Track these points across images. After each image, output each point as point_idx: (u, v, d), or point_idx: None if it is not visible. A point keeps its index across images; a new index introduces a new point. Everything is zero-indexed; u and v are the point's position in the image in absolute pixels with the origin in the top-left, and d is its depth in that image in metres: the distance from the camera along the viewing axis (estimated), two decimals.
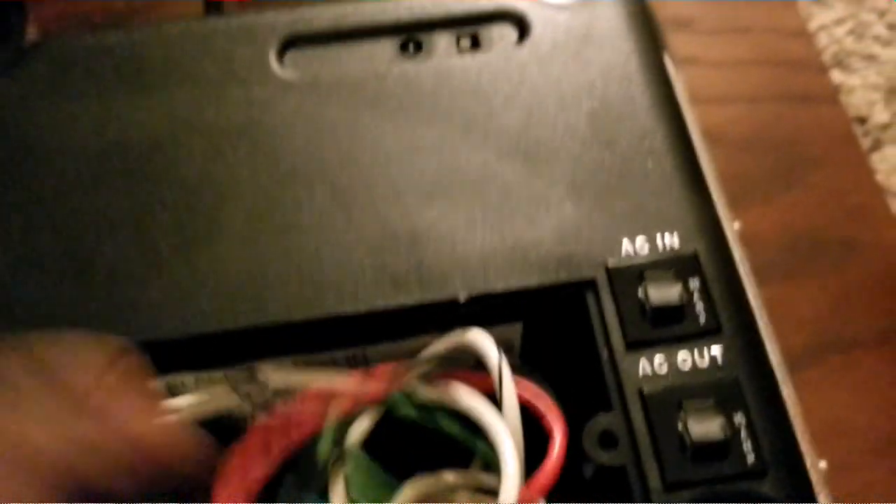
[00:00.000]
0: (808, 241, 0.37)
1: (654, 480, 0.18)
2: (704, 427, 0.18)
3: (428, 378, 0.20)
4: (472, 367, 0.20)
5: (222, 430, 0.22)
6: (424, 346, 0.21)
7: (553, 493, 0.18)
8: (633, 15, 0.25)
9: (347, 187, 0.22)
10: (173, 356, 0.21)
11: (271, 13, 0.25)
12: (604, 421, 0.19)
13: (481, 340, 0.19)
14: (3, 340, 0.17)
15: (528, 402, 0.19)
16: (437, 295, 0.21)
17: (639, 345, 0.19)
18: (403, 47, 0.25)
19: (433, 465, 0.20)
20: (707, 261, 0.20)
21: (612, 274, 0.20)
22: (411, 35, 0.25)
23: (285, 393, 0.21)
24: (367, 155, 0.23)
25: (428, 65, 0.24)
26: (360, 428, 0.20)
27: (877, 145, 0.40)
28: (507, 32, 0.25)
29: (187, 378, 0.22)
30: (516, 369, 0.19)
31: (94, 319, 0.21)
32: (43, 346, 0.17)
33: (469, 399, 0.19)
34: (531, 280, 0.21)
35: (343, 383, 0.20)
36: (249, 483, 0.19)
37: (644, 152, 0.22)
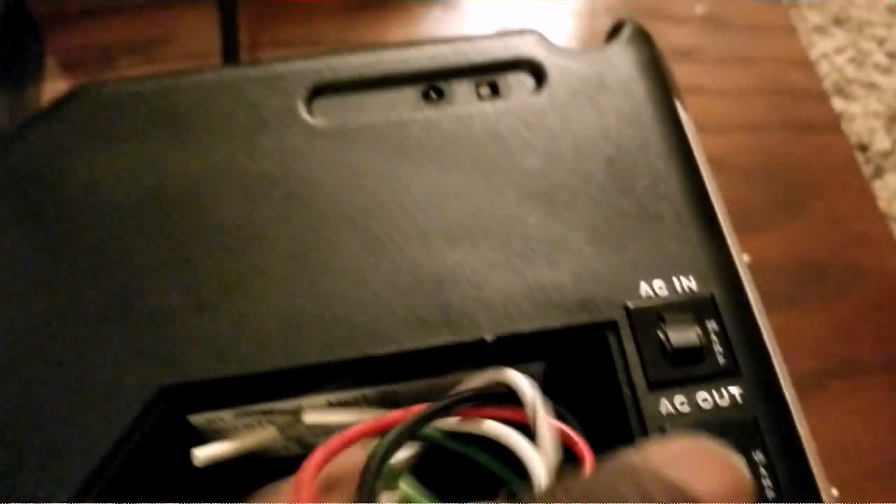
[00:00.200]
0: (812, 268, 0.38)
1: None
2: None
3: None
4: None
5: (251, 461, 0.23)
6: (455, 383, 0.22)
7: None
8: (645, 62, 0.26)
9: (376, 231, 0.23)
10: (214, 394, 0.22)
11: (298, 62, 0.27)
12: None
13: (515, 376, 0.20)
14: None
15: (559, 430, 0.20)
16: (465, 336, 0.22)
17: (660, 384, 0.20)
18: (425, 95, 0.26)
19: (458, 494, 0.21)
20: (723, 303, 0.21)
21: (632, 315, 0.21)
22: (433, 83, 0.26)
23: (321, 429, 0.22)
24: (393, 199, 0.24)
25: (449, 112, 0.26)
26: (405, 454, 0.21)
27: (878, 172, 0.41)
28: (525, 80, 0.26)
29: (226, 414, 0.23)
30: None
31: (137, 360, 0.22)
32: None
33: (501, 428, 0.20)
34: (554, 321, 0.22)
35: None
36: None
37: (659, 197, 0.23)
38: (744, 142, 0.42)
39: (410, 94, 0.26)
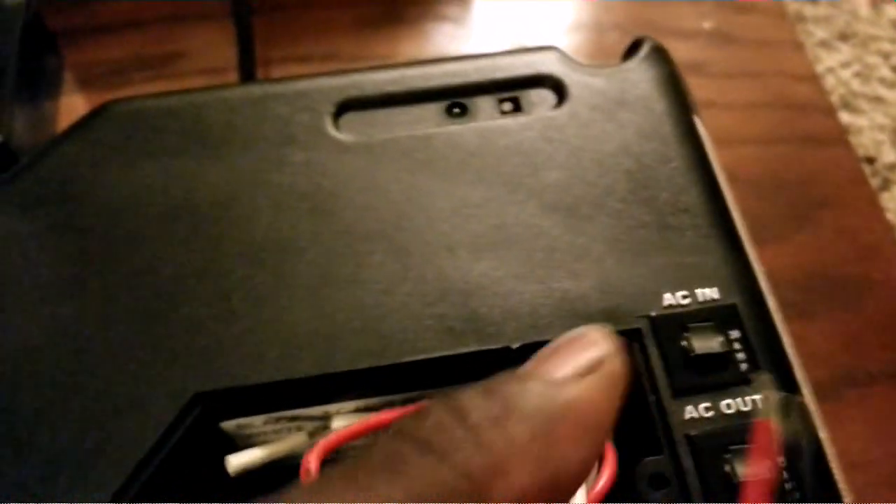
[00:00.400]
0: (822, 280, 0.39)
1: None
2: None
3: None
4: None
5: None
6: None
7: None
8: (663, 79, 0.27)
9: (403, 243, 0.24)
10: (246, 400, 0.23)
11: (325, 79, 0.27)
12: (653, 464, 0.20)
13: None
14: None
15: None
16: (491, 344, 0.22)
17: (684, 391, 0.21)
18: (449, 110, 0.27)
19: None
20: (745, 312, 0.22)
21: (655, 324, 0.22)
22: (456, 99, 0.27)
23: None
24: (419, 212, 0.25)
25: (473, 127, 0.26)
26: None
27: (885, 185, 0.41)
28: (546, 96, 0.27)
29: (257, 420, 0.24)
30: None
31: (170, 368, 0.22)
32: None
33: None
34: None
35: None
36: None
37: (680, 209, 0.24)
38: (752, 155, 0.42)
39: (434, 110, 0.27)
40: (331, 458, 0.21)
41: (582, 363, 0.16)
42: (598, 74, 0.27)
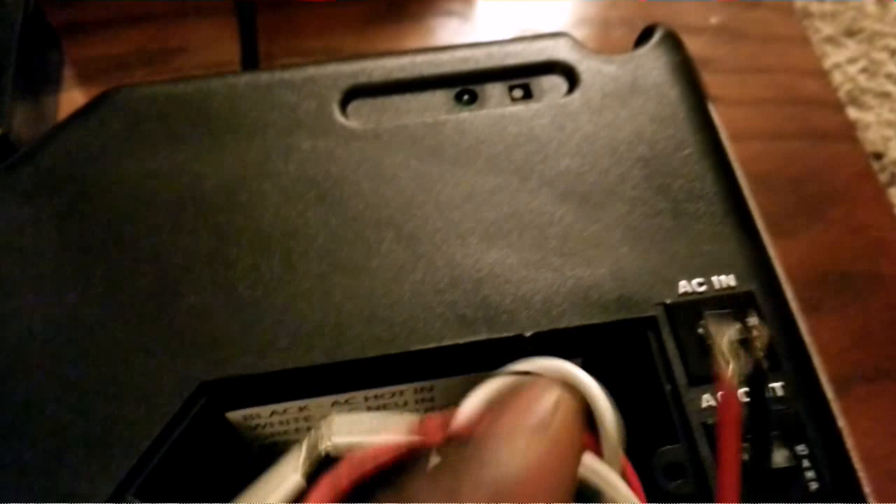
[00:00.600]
0: (831, 276, 0.38)
1: None
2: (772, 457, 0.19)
3: None
4: None
5: None
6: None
7: None
8: (676, 65, 0.26)
9: (412, 231, 0.24)
10: (253, 390, 0.22)
11: (332, 65, 0.27)
12: (670, 453, 0.20)
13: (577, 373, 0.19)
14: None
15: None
16: (503, 332, 0.22)
17: (701, 379, 0.21)
18: (459, 97, 0.26)
19: None
20: (762, 299, 0.22)
21: (671, 312, 0.22)
22: (466, 86, 0.26)
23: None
24: (429, 200, 0.24)
25: (483, 114, 0.26)
26: None
27: (893, 180, 0.41)
28: (558, 83, 0.26)
29: (263, 411, 0.23)
30: None
31: (176, 357, 0.22)
32: None
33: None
34: (592, 318, 0.22)
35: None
36: None
37: (695, 196, 0.24)
38: (760, 150, 0.42)
39: (444, 97, 0.26)
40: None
41: (530, 422, 0.15)
42: (610, 61, 0.26)
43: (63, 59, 0.45)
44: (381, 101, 0.26)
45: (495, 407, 0.16)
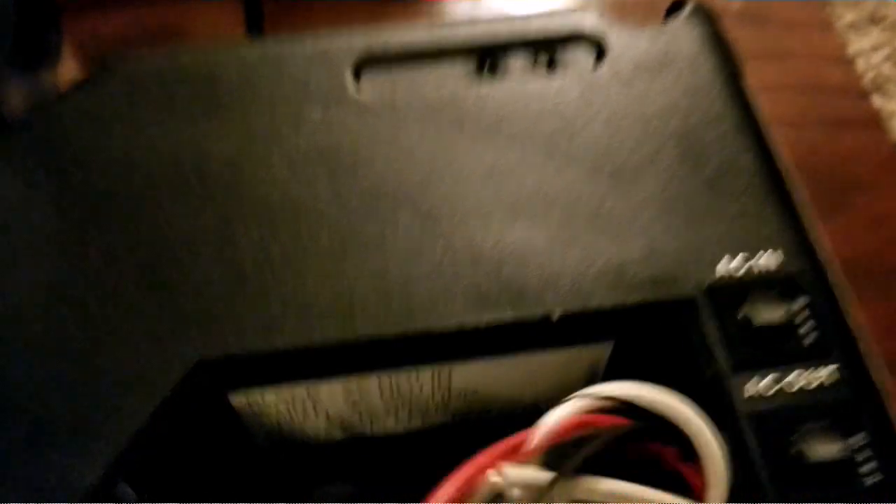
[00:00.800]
0: (856, 266, 0.37)
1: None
2: (823, 449, 0.18)
3: None
4: None
5: None
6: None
7: None
8: (709, 37, 0.25)
9: (430, 207, 0.22)
10: (255, 370, 0.21)
11: (345, 35, 0.25)
12: None
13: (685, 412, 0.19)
14: None
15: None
16: (528, 312, 0.21)
17: (745, 365, 0.19)
18: (479, 68, 0.25)
19: None
20: (808, 280, 0.20)
21: (712, 292, 0.20)
22: (487, 56, 0.25)
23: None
24: (448, 175, 0.23)
25: (505, 86, 0.24)
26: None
27: None
28: (584, 56, 0.25)
29: (269, 395, 0.22)
30: None
31: (174, 332, 0.21)
32: None
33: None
34: (626, 298, 0.20)
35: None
36: None
37: (733, 172, 0.22)
38: (782, 138, 0.40)
39: (463, 69, 0.25)
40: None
41: None
42: (640, 33, 0.25)
43: (62, 36, 0.44)
44: (396, 72, 0.25)
45: None
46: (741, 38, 0.44)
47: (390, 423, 0.24)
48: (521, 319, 0.21)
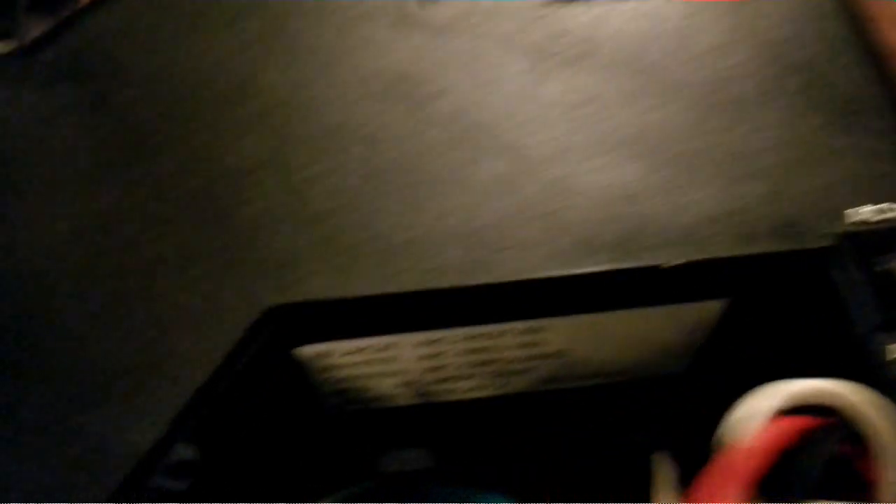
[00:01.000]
0: None
1: None
2: None
3: None
4: None
5: None
6: None
7: None
8: None
9: (516, 141, 0.20)
10: (329, 320, 0.19)
11: None
12: None
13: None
14: None
15: None
16: (636, 261, 0.18)
17: (890, 325, 0.17)
18: None
19: None
20: None
21: (845, 243, 0.18)
22: None
23: None
24: (533, 107, 0.20)
25: (588, 10, 0.22)
26: None
27: None
28: None
29: (338, 349, 0.19)
30: None
31: (237, 276, 0.18)
32: None
33: None
34: (747, 248, 0.18)
35: None
36: None
37: (865, 109, 0.20)
38: None
39: None
40: None
41: None
42: None
43: None
44: None
45: None
46: None
47: (468, 387, 0.22)
48: (625, 269, 0.18)
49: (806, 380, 0.17)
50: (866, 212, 0.18)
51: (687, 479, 0.18)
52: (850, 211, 0.18)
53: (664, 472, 0.20)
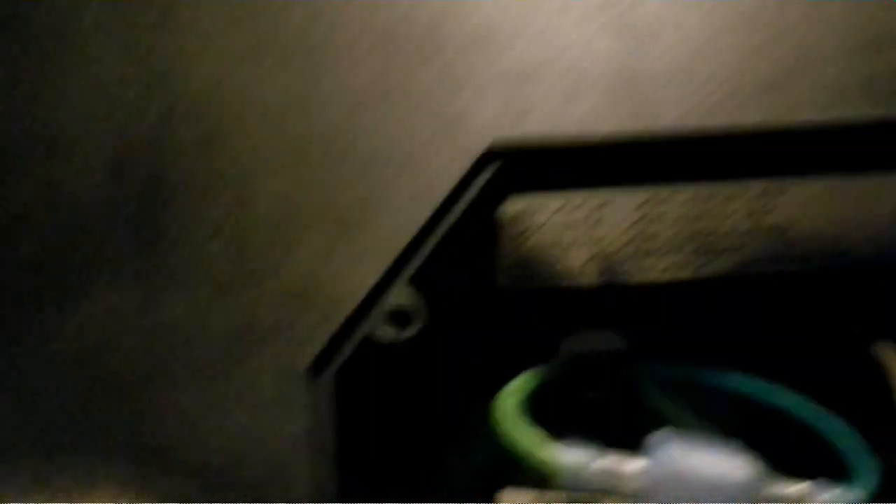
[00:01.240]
0: None
1: None
2: None
3: None
4: None
5: None
6: None
7: None
8: None
9: None
10: (549, 166, 0.17)
11: None
12: None
13: None
14: None
15: None
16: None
17: None
18: None
19: None
20: None
21: None
22: None
23: None
24: None
25: None
26: None
27: None
28: None
29: (552, 202, 0.17)
30: None
31: (460, 111, 0.16)
32: None
33: None
34: None
35: None
36: None
37: None
38: None
39: None
40: None
41: None
42: None
43: None
44: None
45: None
46: None
47: (664, 266, 0.19)
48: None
49: None
50: None
51: None
52: None
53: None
